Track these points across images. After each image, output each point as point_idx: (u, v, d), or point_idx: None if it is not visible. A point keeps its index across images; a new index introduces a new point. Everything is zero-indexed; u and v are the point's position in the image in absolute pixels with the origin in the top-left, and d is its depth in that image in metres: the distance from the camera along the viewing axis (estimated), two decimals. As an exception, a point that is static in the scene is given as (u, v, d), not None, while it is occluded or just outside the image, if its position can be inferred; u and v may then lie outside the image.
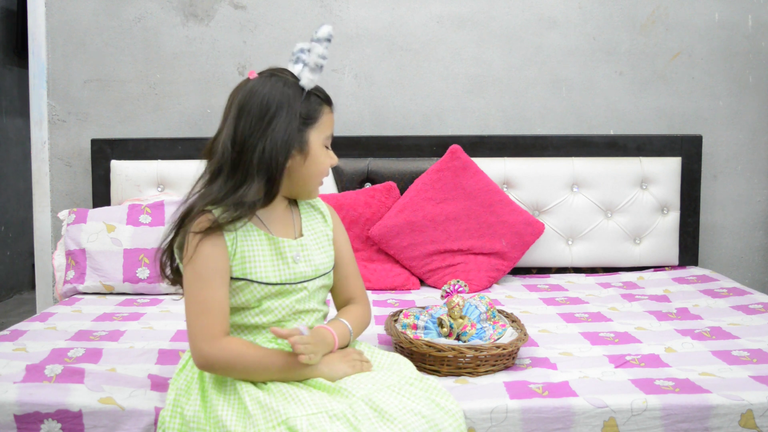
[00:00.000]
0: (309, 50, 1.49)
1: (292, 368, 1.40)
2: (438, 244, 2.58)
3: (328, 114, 1.51)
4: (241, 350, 1.39)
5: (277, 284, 1.47)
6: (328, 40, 1.48)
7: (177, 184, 2.71)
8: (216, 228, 1.40)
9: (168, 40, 2.84)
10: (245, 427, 1.33)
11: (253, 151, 1.41)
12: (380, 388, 1.40)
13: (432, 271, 2.58)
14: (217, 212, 1.42)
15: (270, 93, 1.43)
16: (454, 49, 2.87)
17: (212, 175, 1.45)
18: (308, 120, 1.47)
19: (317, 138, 1.48)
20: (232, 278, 1.44)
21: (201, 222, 1.41)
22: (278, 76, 1.47)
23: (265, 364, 1.39)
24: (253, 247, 1.46)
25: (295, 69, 1.49)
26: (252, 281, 1.44)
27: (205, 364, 1.39)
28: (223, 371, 1.40)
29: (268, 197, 1.45)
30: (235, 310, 1.47)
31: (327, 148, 1.52)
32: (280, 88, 1.44)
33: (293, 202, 1.60)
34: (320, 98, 1.50)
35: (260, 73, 1.49)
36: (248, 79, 1.47)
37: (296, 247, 1.51)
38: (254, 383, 1.41)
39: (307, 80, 1.47)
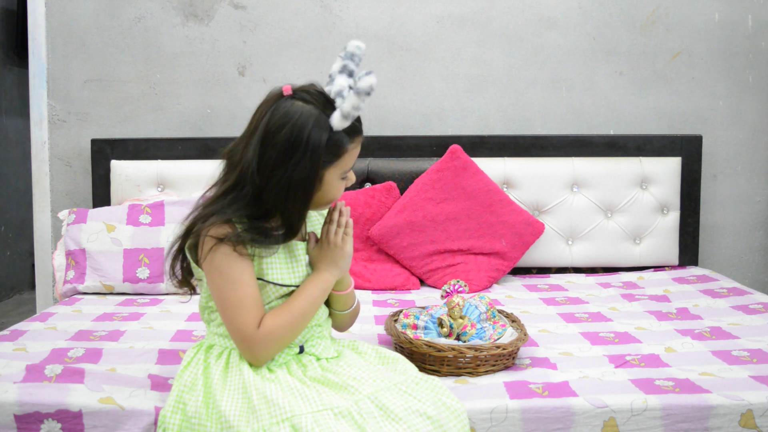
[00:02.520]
0: (358, 62, 1.47)
1: (318, 290, 1.48)
2: (438, 244, 2.58)
3: (353, 149, 1.48)
4: (276, 321, 1.42)
5: (291, 286, 1.48)
6: (368, 94, 1.42)
7: (177, 184, 2.71)
8: (237, 242, 1.40)
9: (168, 40, 2.84)
10: (248, 422, 1.33)
11: (277, 191, 1.40)
12: (387, 386, 1.41)
13: (432, 271, 2.58)
14: (239, 226, 1.42)
15: (301, 126, 1.39)
16: (454, 49, 2.87)
17: (231, 187, 1.43)
18: (328, 162, 1.43)
19: (334, 174, 1.46)
20: None
21: (221, 229, 1.41)
22: (313, 103, 1.42)
23: (300, 313, 1.45)
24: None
25: (338, 82, 1.44)
26: (268, 282, 1.46)
27: (259, 353, 1.41)
28: (277, 348, 1.44)
29: (291, 234, 1.46)
30: None
31: (343, 178, 1.50)
32: (312, 122, 1.40)
33: None
34: (347, 133, 1.45)
35: (295, 91, 1.43)
36: (281, 95, 1.43)
37: (308, 251, 1.54)
38: (261, 377, 1.41)
39: (338, 123, 1.42)
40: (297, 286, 1.49)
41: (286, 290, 1.48)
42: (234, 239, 1.39)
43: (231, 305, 1.40)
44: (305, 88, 1.45)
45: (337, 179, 1.47)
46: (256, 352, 1.41)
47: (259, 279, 1.45)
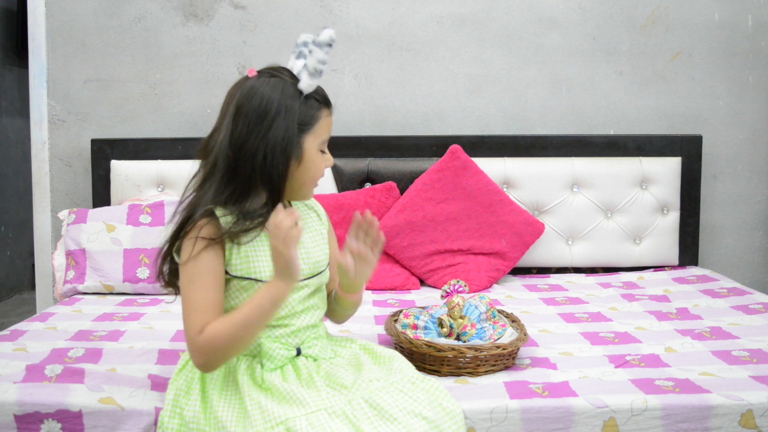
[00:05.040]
0: (310, 51, 1.46)
1: (269, 300, 1.35)
2: (438, 244, 2.58)
3: (326, 118, 1.48)
4: (217, 329, 1.34)
5: None
6: (330, 45, 1.45)
7: (177, 184, 2.71)
8: (221, 239, 1.39)
9: (168, 40, 2.84)
10: (244, 428, 1.33)
11: (253, 157, 1.39)
12: (383, 386, 1.40)
13: (432, 271, 2.58)
14: (224, 219, 1.41)
15: (269, 95, 1.41)
16: (454, 49, 2.87)
17: (207, 175, 1.43)
18: (304, 126, 1.44)
19: (312, 143, 1.46)
20: (237, 277, 1.43)
21: (207, 228, 1.40)
22: (278, 77, 1.45)
23: (244, 323, 1.34)
24: (256, 247, 1.45)
25: (296, 65, 1.47)
26: (257, 280, 1.44)
27: (199, 360, 1.35)
28: (217, 357, 1.35)
29: (273, 205, 1.43)
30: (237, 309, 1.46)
31: (323, 152, 1.49)
32: (280, 90, 1.42)
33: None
34: (318, 101, 1.47)
35: (259, 72, 1.47)
36: (247, 77, 1.46)
37: None
38: (254, 383, 1.41)
39: (306, 84, 1.44)
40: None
41: None
42: (220, 238, 1.38)
43: (186, 303, 1.38)
44: (269, 66, 1.49)
45: (315, 150, 1.46)
46: (196, 359, 1.35)
47: (247, 278, 1.43)
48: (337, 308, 1.63)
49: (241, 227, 1.40)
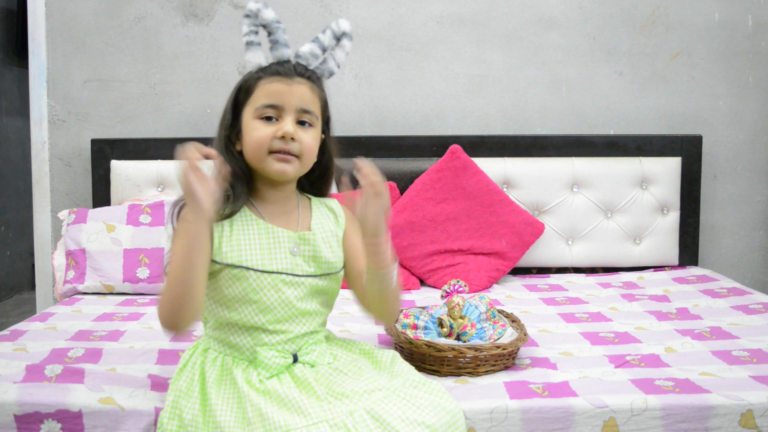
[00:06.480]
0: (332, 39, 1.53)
1: (178, 239, 1.35)
2: (438, 244, 2.58)
3: (264, 85, 1.45)
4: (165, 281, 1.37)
5: (273, 272, 1.43)
6: (247, 16, 1.50)
7: (177, 184, 2.71)
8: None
9: (168, 40, 2.84)
10: (244, 432, 1.33)
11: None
12: (385, 394, 1.38)
13: (432, 271, 2.58)
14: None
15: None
16: (454, 49, 2.87)
17: None
18: (245, 100, 1.48)
19: (248, 112, 1.47)
20: (228, 265, 1.42)
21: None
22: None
23: (171, 271, 1.34)
24: (249, 235, 1.44)
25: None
26: (248, 269, 1.42)
27: (159, 321, 1.36)
28: (166, 314, 1.35)
29: (249, 186, 1.48)
30: (233, 305, 1.44)
31: (268, 118, 1.44)
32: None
33: (305, 198, 1.58)
34: (262, 71, 1.47)
35: None
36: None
37: (295, 240, 1.47)
38: (254, 389, 1.39)
39: (248, 59, 1.50)
40: (279, 273, 1.44)
41: (268, 278, 1.43)
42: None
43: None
44: None
45: (250, 118, 1.46)
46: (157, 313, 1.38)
47: (238, 266, 1.42)
48: (370, 292, 1.51)
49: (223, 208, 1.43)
